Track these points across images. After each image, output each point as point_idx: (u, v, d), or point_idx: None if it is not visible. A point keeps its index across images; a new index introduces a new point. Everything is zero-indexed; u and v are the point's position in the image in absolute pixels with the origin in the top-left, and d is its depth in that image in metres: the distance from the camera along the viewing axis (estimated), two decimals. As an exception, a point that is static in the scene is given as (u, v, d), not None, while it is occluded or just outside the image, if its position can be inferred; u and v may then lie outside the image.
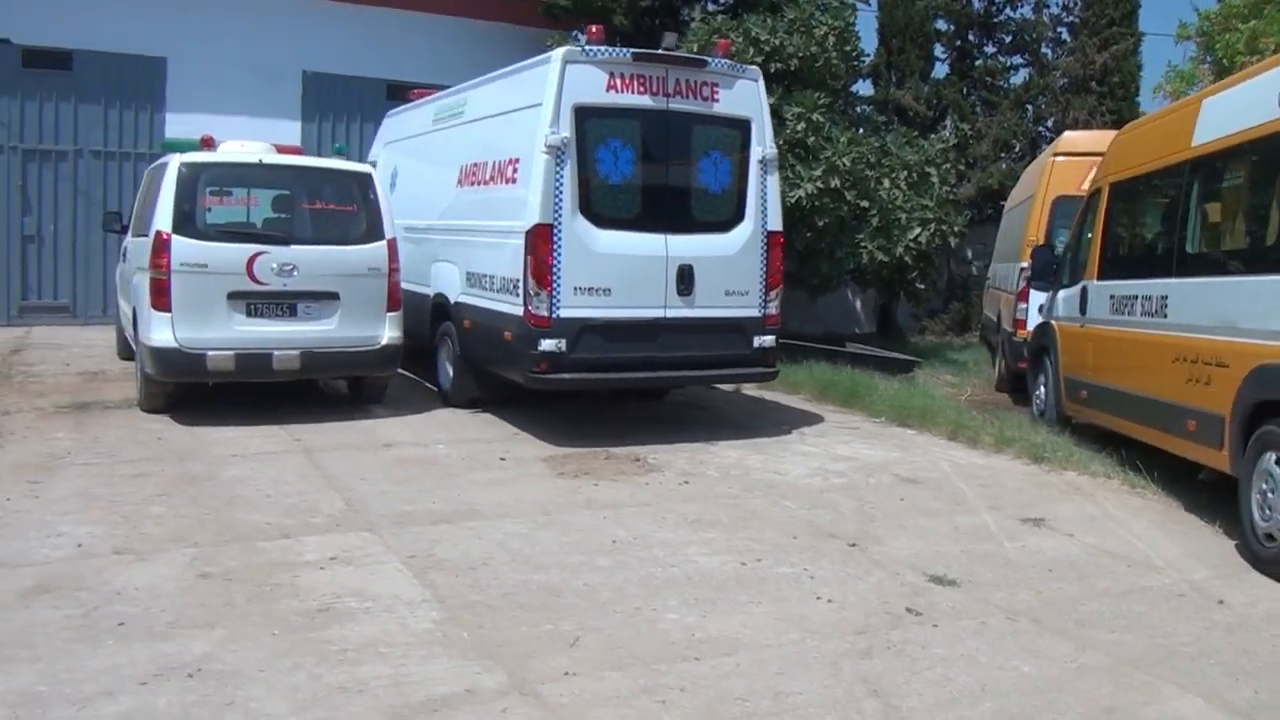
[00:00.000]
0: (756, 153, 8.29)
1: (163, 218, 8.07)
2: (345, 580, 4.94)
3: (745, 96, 8.24)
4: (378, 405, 9.24)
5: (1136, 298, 7.54)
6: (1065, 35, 18.20)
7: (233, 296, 8.16)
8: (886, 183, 13.13)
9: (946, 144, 14.18)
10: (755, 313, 8.38)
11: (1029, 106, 17.76)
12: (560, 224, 7.66)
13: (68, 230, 14.23)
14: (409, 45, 15.29)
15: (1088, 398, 8.37)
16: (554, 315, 7.71)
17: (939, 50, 18.29)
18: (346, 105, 15.32)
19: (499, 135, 8.37)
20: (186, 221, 8.11)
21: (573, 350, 7.77)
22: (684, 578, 5.17)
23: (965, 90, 17.92)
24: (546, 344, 7.70)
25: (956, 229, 13.45)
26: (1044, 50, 18.04)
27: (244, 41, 14.40)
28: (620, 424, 8.90)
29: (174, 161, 8.22)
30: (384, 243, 8.65)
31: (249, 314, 8.24)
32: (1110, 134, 13.00)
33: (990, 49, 18.57)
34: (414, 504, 6.28)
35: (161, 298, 8.03)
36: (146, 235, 8.48)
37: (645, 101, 7.88)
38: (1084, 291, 8.47)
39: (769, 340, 8.49)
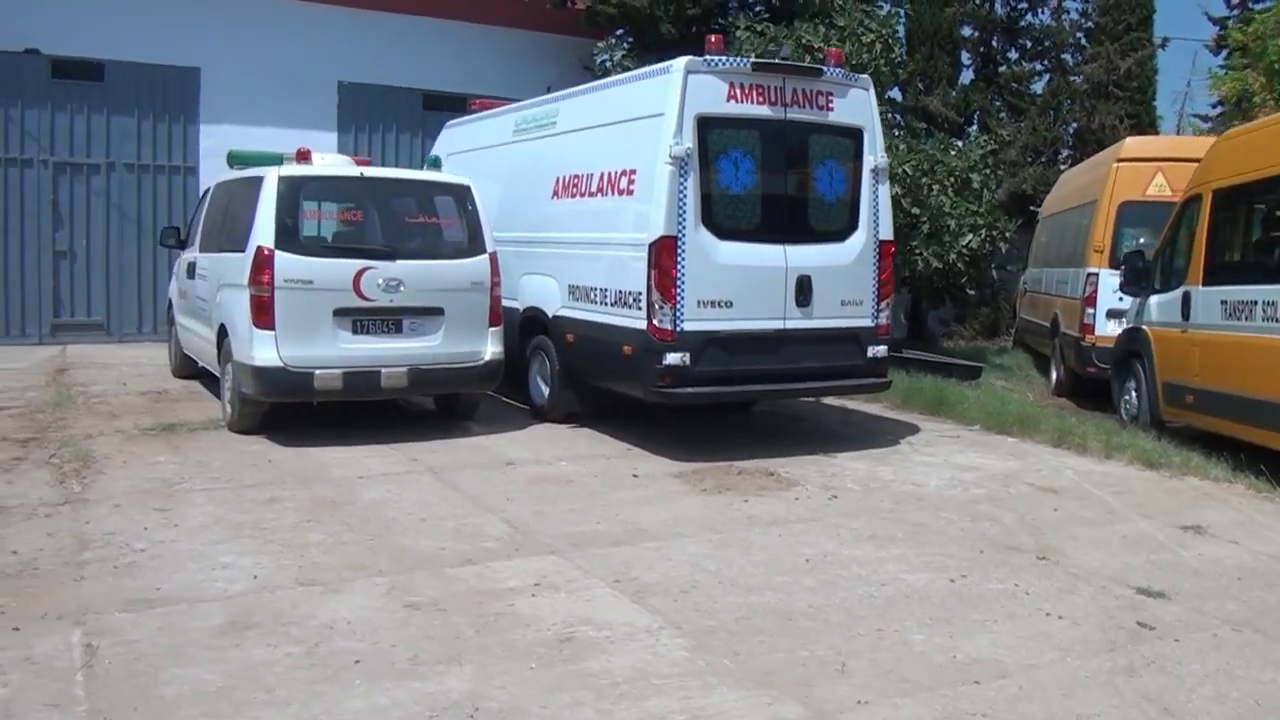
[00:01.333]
0: (869, 161, 8.21)
1: (264, 233, 7.81)
2: (566, 608, 4.75)
3: (858, 105, 8.16)
4: (472, 421, 9.03)
5: (1256, 303, 7.55)
6: (1083, 40, 18.39)
7: (339, 313, 7.91)
8: (935, 189, 13.14)
9: (985, 149, 14.21)
10: (869, 322, 8.30)
11: (1053, 111, 17.90)
12: (684, 236, 7.52)
13: (100, 245, 13.79)
14: (444, 55, 15.06)
15: (1194, 402, 8.37)
16: (678, 328, 7.57)
17: (964, 57, 18.39)
18: (382, 116, 15.04)
19: (609, 146, 8.20)
20: (289, 236, 7.86)
21: (696, 363, 7.63)
22: (902, 597, 5.05)
23: (990, 96, 18.04)
24: (671, 358, 7.56)
25: (1008, 234, 13.50)
26: (1064, 56, 18.25)
27: (278, 51, 14.09)
28: (727, 436, 8.77)
29: (272, 175, 7.96)
30: (486, 256, 8.45)
31: (355, 331, 7.99)
32: (1172, 139, 13.17)
33: (1013, 55, 18.73)
34: (577, 525, 6.10)
35: (264, 315, 7.77)
36: (237, 250, 8.22)
37: (764, 111, 7.77)
38: (1186, 297, 8.47)
39: (882, 350, 8.41)
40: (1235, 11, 17.45)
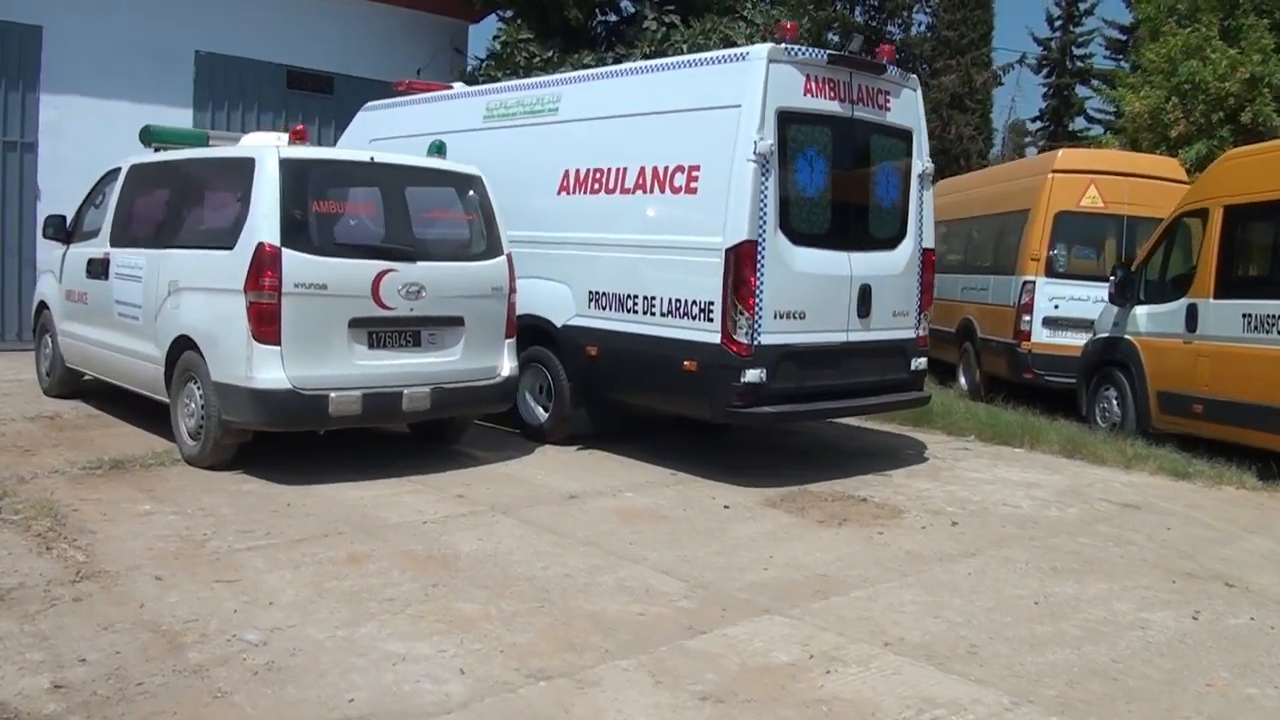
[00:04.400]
0: (917, 166, 7.82)
1: (265, 226, 6.42)
2: (883, 685, 4.01)
3: (909, 106, 7.75)
4: (464, 446, 7.92)
5: None
6: (929, 52, 18.98)
7: (354, 324, 6.66)
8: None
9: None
10: (912, 334, 7.92)
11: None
12: (764, 241, 6.84)
13: (-89, 234, 11.28)
14: (309, 29, 13.43)
15: (1204, 412, 8.55)
16: (755, 342, 6.87)
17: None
18: (243, 92, 13.16)
19: (655, 137, 7.34)
20: (297, 232, 6.50)
21: (772, 380, 6.96)
22: (1176, 641, 4.65)
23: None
24: (751, 374, 6.85)
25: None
26: (921, 67, 18.77)
27: (131, 12, 12.01)
28: (756, 456, 8.19)
29: (270, 157, 6.55)
30: (504, 258, 7.40)
31: (371, 345, 6.76)
32: (1101, 152, 13.66)
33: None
34: (745, 574, 5.31)
35: (268, 327, 6.40)
36: (213, 246, 6.80)
37: (835, 108, 7.21)
38: (1191, 309, 8.64)
39: (923, 362, 8.07)
40: (1058, 34, 18.56)
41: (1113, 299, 9.54)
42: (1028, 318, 11.36)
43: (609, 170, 7.68)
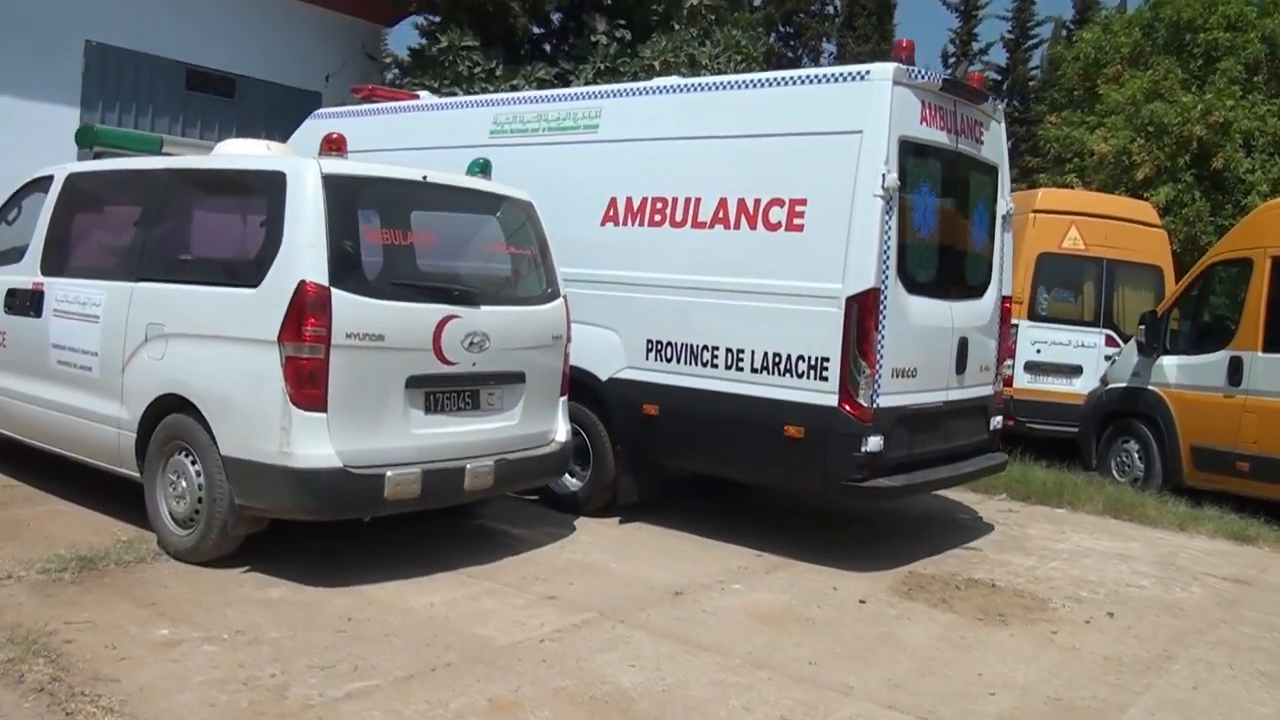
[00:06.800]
0: (1002, 206, 7.12)
1: (308, 260, 5.03)
2: None
3: (996, 140, 7.04)
4: (492, 520, 6.69)
5: None
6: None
7: (411, 384, 5.35)
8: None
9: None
10: (991, 390, 7.20)
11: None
12: (886, 289, 5.95)
13: None
14: (215, 26, 11.68)
15: (1250, 469, 8.20)
16: (875, 405, 5.97)
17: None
18: (137, 90, 11.26)
19: (746, 164, 6.30)
20: (348, 268, 5.15)
21: (888, 447, 6.07)
22: None
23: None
24: (873, 442, 5.94)
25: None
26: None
27: (14, -10, 10.09)
28: (819, 529, 7.25)
29: (308, 171, 5.17)
30: (561, 300, 6.23)
31: (429, 409, 5.46)
32: (1079, 194, 13.36)
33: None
34: (977, 702, 4.40)
35: (313, 389, 5.01)
36: (223, 282, 5.38)
37: (944, 139, 6.40)
38: (1235, 362, 8.31)
39: (999, 421, 7.36)
40: (948, 72, 18.50)
41: (1141, 348, 9.15)
42: (1010, 362, 10.92)
43: (675, 200, 6.62)
